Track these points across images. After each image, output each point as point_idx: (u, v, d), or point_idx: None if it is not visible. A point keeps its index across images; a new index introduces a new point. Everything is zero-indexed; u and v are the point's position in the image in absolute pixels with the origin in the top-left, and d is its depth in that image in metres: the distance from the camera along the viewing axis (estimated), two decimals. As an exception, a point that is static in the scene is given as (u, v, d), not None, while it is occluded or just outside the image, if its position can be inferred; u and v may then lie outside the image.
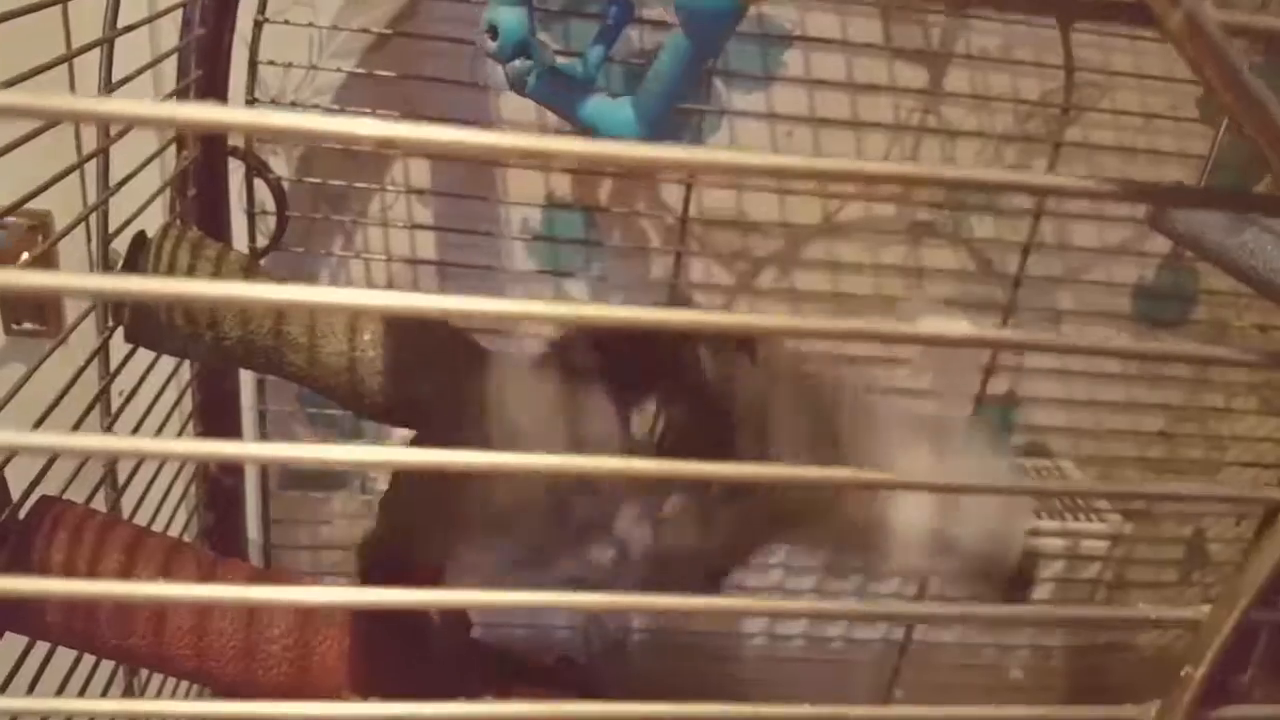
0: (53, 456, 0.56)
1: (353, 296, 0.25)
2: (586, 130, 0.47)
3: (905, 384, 0.97)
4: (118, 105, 0.21)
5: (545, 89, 0.49)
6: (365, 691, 0.55)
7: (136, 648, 0.52)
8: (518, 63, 0.49)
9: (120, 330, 0.67)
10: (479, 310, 0.26)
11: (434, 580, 0.62)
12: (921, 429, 0.47)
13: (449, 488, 0.51)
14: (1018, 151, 0.94)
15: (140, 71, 0.62)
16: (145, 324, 0.65)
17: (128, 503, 0.71)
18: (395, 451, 0.25)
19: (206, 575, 0.53)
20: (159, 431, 0.75)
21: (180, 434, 0.79)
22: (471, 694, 0.60)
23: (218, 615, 0.53)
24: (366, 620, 0.56)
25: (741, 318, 0.31)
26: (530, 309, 0.26)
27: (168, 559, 0.53)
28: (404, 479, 0.57)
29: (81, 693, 0.61)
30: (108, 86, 0.59)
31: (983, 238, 0.97)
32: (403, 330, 0.67)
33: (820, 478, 0.38)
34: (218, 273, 0.65)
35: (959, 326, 0.20)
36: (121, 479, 0.70)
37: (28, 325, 0.98)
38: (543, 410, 0.48)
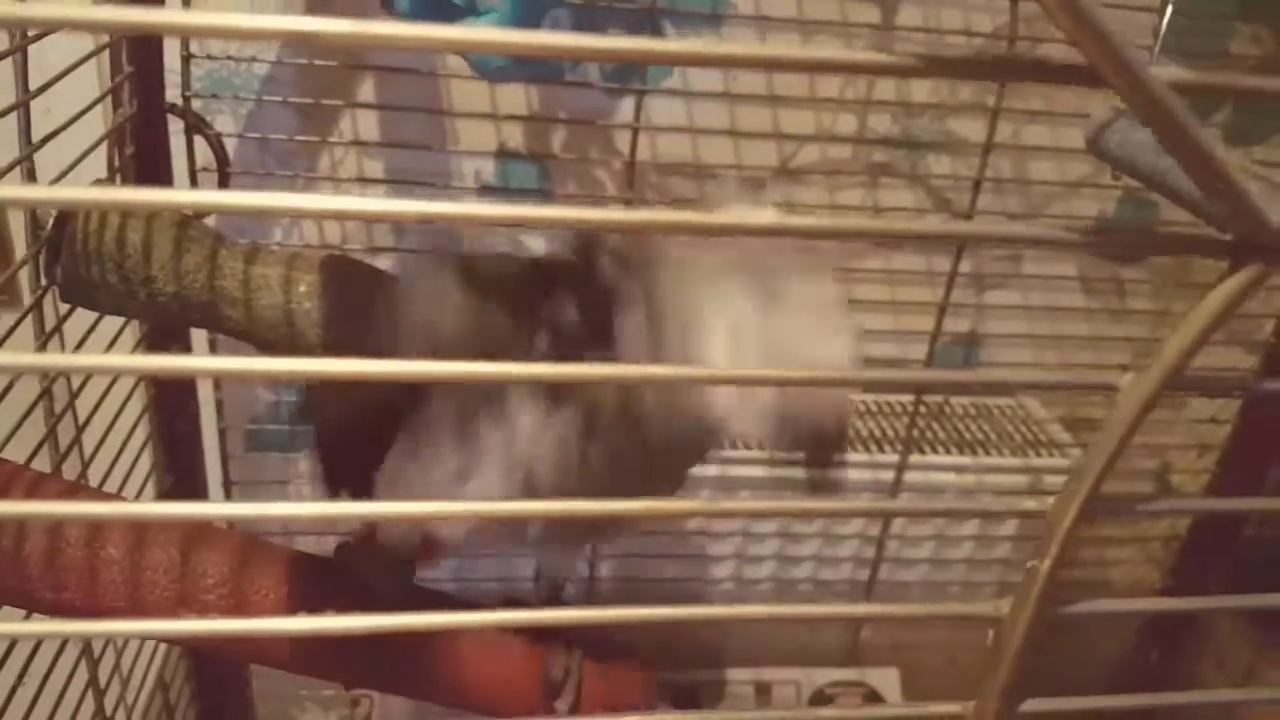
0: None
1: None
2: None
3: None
4: (37, 9, 0.21)
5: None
6: (304, 642, 0.55)
7: (70, 601, 0.52)
8: (383, -22, 0.48)
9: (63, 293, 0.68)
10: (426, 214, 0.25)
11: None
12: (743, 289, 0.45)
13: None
14: (973, 87, 0.93)
15: (59, 26, 0.61)
16: (79, 283, 0.64)
17: (80, 466, 0.71)
18: (333, 363, 0.24)
19: (138, 527, 0.53)
20: (106, 393, 0.75)
21: (130, 395, 0.79)
22: (418, 639, 0.60)
23: (151, 567, 0.53)
24: (304, 566, 0.56)
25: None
26: (473, 211, 0.24)
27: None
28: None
29: (32, 656, 0.61)
30: (21, 44, 0.58)
31: (940, 174, 0.96)
32: (340, 280, 0.67)
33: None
34: (150, 228, 0.64)
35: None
36: (69, 442, 0.70)
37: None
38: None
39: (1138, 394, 0.22)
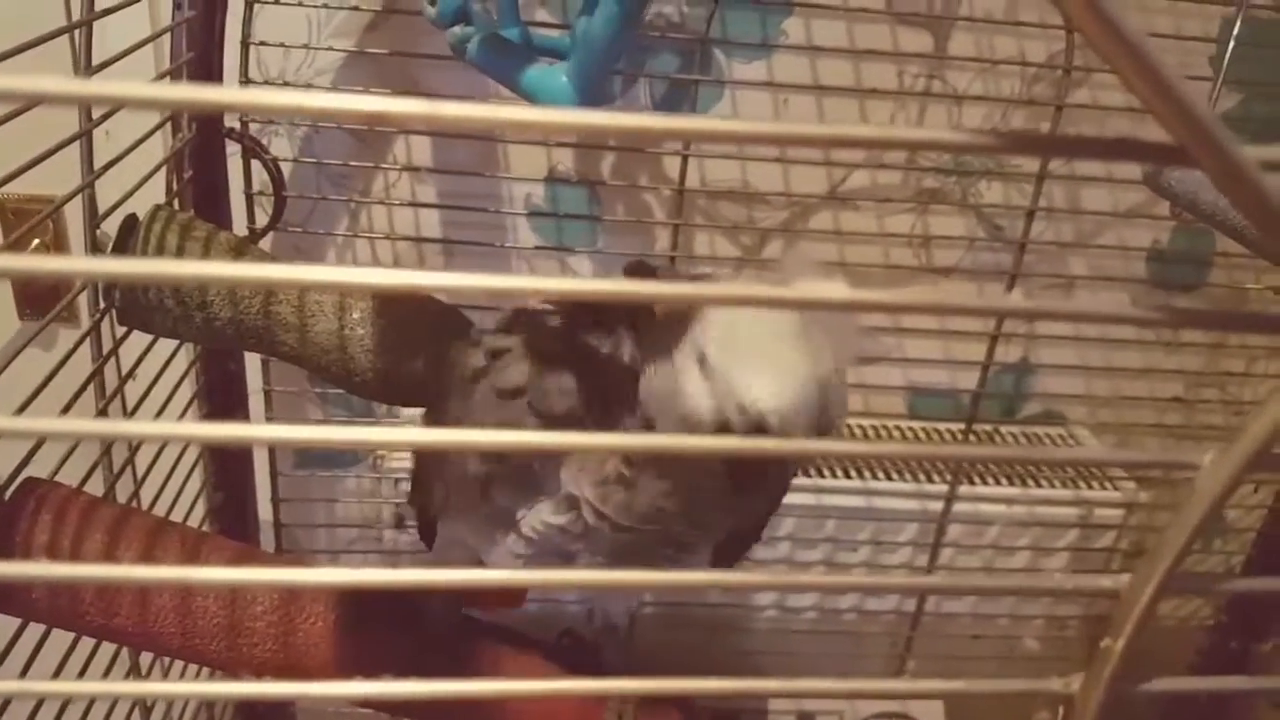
0: (41, 439, 0.57)
1: (327, 275, 0.24)
2: (527, 97, 0.47)
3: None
4: (96, 86, 0.21)
5: (485, 56, 0.49)
6: (352, 669, 0.56)
7: (122, 627, 0.52)
8: (457, 29, 0.49)
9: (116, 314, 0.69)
10: (464, 285, 0.25)
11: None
12: None
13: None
14: (1025, 115, 0.92)
15: (122, 55, 0.62)
16: (136, 306, 0.65)
17: (133, 484, 0.72)
18: (398, 431, 0.24)
19: (190, 554, 0.53)
20: (160, 412, 0.76)
21: (183, 415, 0.80)
22: (466, 671, 0.60)
23: (202, 594, 0.53)
24: (351, 592, 0.57)
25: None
26: (513, 283, 0.24)
27: (151, 539, 0.53)
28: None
29: (82, 674, 0.62)
30: (86, 71, 0.59)
31: (992, 203, 0.95)
32: (392, 307, 0.67)
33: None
34: (206, 254, 0.65)
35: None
36: (123, 461, 0.71)
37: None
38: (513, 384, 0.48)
39: (1219, 476, 0.21)
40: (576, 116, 0.19)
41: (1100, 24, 0.18)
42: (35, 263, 0.25)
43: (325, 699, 0.28)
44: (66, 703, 0.64)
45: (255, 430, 0.22)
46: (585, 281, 0.22)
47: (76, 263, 0.35)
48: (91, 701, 0.65)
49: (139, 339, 0.71)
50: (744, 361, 0.40)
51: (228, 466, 0.88)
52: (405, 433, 0.22)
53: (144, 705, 0.70)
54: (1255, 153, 0.20)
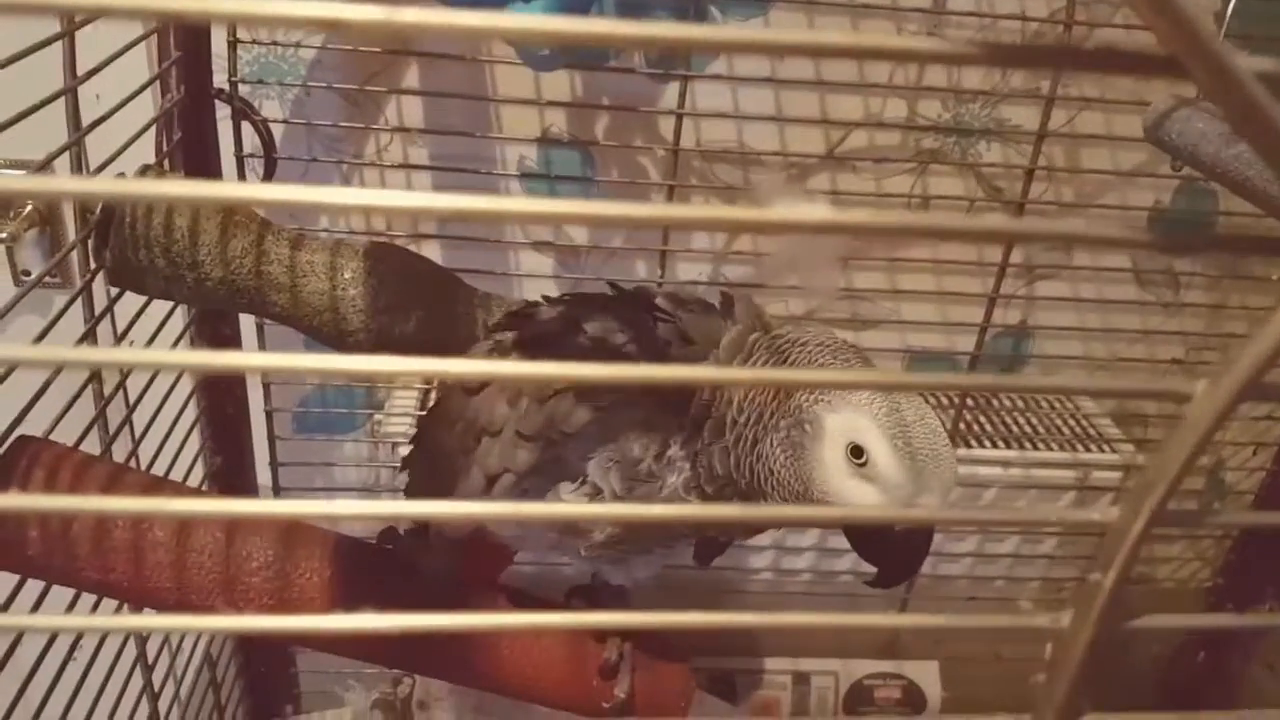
0: (35, 397, 0.57)
1: (321, 195, 0.23)
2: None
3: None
4: None
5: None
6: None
7: (117, 582, 0.52)
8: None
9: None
10: (457, 208, 0.24)
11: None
12: None
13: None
14: (1027, 74, 0.91)
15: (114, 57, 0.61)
16: (127, 266, 0.65)
17: (129, 447, 0.72)
18: (388, 361, 0.24)
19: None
20: (154, 378, 0.76)
21: (178, 381, 0.80)
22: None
23: (196, 550, 0.53)
24: (346, 550, 0.57)
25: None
26: (513, 206, 0.23)
27: (145, 494, 0.53)
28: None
29: (79, 639, 0.62)
30: (72, 70, 0.58)
31: (991, 163, 0.94)
32: (383, 267, 0.67)
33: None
34: (196, 214, 0.65)
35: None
36: (119, 422, 0.70)
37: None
38: None
39: (1212, 403, 0.21)
40: (541, 23, 0.18)
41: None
42: (24, 184, 0.24)
43: (318, 631, 0.28)
44: (65, 663, 0.64)
45: (248, 358, 0.22)
46: (577, 204, 0.22)
47: (65, 183, 0.35)
48: (92, 660, 0.65)
49: (132, 305, 0.70)
50: (919, 471, 0.46)
51: (226, 430, 0.88)
52: (395, 362, 0.21)
53: (145, 663, 0.70)
54: (1250, 63, 0.19)
